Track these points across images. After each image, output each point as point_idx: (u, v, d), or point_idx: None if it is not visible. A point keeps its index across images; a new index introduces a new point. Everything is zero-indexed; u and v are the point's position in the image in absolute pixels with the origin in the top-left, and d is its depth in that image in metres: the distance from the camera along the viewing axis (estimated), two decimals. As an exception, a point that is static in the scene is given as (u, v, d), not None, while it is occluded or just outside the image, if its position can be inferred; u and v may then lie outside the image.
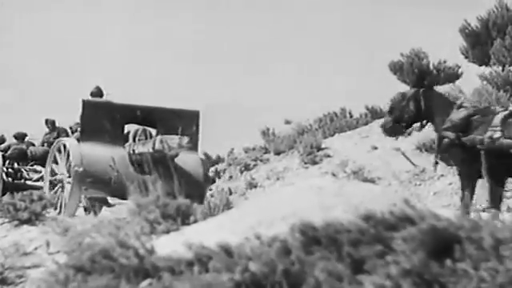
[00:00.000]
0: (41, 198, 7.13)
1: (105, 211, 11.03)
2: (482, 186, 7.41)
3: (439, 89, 22.68)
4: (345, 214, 2.66)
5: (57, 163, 10.52)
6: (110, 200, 11.07)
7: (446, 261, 2.32)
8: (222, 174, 18.61)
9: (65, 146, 10.32)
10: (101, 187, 9.62)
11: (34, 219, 6.77)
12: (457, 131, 7.24)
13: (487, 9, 21.43)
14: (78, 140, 10.38)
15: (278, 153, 18.03)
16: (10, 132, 14.96)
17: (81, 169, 9.81)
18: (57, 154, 10.52)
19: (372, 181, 13.66)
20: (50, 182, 10.60)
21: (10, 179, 13.24)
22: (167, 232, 4.20)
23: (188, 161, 10.05)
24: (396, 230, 2.48)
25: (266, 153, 18.56)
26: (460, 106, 7.44)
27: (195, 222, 4.35)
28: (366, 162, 16.06)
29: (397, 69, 23.04)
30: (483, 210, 7.37)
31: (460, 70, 23.11)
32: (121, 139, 10.33)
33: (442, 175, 13.30)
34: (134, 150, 10.20)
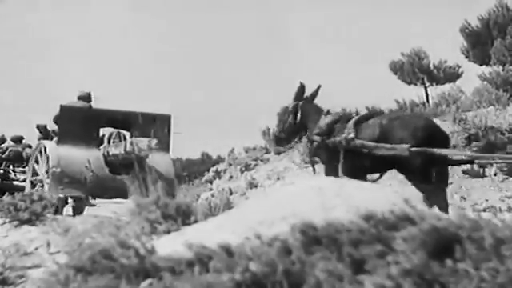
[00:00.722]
0: (41, 199, 7.12)
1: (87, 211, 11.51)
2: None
3: (440, 88, 22.62)
4: (345, 214, 2.66)
5: (38, 164, 11.22)
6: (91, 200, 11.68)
7: (446, 261, 2.32)
8: (222, 173, 18.60)
9: (45, 148, 11.02)
10: (77, 187, 10.26)
11: (34, 219, 6.77)
12: (322, 135, 8.11)
13: (487, 8, 21.43)
14: (57, 143, 11.07)
15: (278, 153, 18.03)
16: (10, 133, 15.30)
17: (58, 169, 10.56)
18: (38, 156, 11.21)
19: (372, 181, 13.67)
20: (31, 182, 11.30)
21: None
22: (168, 232, 4.20)
23: (160, 161, 10.82)
24: (396, 229, 2.48)
25: (266, 153, 18.56)
26: (327, 113, 8.33)
27: (196, 222, 4.35)
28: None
29: (397, 68, 23.04)
30: None
31: (460, 70, 23.11)
32: (96, 142, 11.09)
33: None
34: (108, 152, 10.97)
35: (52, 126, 13.28)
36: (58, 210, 11.69)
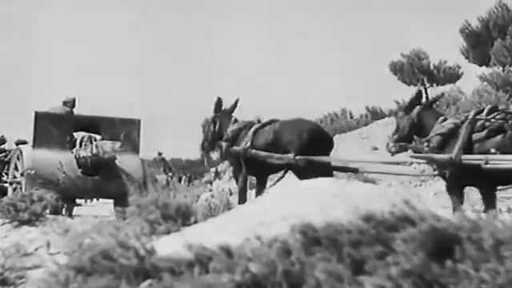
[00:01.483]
0: (41, 199, 7.13)
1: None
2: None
3: (439, 89, 22.65)
4: (345, 215, 2.66)
5: (16, 167, 12.12)
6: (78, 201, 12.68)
7: (446, 261, 2.32)
8: (222, 174, 18.59)
9: (21, 152, 11.94)
10: (50, 187, 10.48)
11: (34, 220, 6.78)
12: (227, 141, 9.06)
13: (487, 9, 21.42)
14: (32, 147, 11.96)
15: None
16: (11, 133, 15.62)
17: (32, 171, 11.40)
18: (16, 160, 12.17)
19: (372, 181, 13.67)
20: (11, 183, 12.21)
21: None
22: (167, 233, 4.20)
23: (129, 163, 11.76)
24: (396, 230, 2.48)
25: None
26: (235, 121, 9.31)
27: (195, 222, 4.36)
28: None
29: (397, 69, 23.06)
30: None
31: (460, 71, 23.11)
32: (69, 145, 11.89)
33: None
34: (79, 154, 11.77)
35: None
36: (58, 211, 12.12)
